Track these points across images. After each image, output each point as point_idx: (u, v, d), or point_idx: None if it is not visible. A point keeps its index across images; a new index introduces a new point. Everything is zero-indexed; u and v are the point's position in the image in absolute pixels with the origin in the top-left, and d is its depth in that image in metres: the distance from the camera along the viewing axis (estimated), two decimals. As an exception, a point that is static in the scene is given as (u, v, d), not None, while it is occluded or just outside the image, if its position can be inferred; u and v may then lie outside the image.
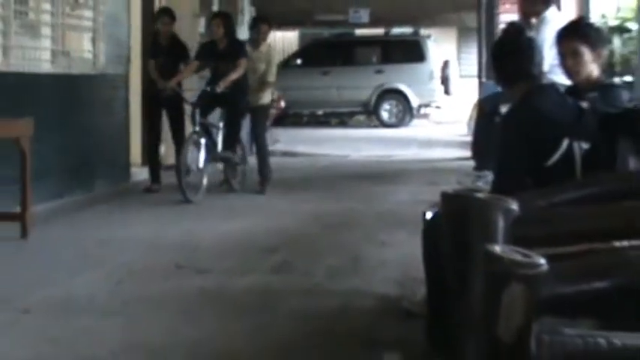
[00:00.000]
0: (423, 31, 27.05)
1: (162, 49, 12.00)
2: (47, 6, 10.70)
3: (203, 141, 11.09)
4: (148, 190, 11.65)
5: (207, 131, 11.42)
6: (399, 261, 7.11)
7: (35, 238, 8.13)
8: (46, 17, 10.72)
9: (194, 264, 7.17)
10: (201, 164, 10.98)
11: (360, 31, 29.18)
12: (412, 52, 25.53)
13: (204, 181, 11.02)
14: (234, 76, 11.29)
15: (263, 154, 12.16)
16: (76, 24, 10.88)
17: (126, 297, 6.20)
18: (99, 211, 9.24)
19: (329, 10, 28.18)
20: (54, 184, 9.55)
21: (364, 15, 27.67)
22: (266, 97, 12.36)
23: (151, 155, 12.14)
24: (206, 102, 11.45)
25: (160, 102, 11.85)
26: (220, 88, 11.13)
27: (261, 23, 12.31)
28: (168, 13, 12.25)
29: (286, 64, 25.09)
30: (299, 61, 26.26)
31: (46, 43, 10.56)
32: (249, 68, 11.64)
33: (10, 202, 8.42)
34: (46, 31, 10.66)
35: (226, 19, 11.84)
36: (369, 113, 25.96)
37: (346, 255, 7.63)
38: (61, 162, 9.18)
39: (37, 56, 10.32)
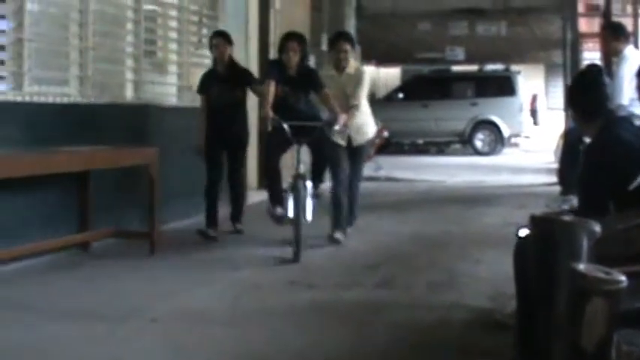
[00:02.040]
0: (514, 67, 26.81)
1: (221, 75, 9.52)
2: (174, 46, 10.92)
3: (310, 184, 8.66)
4: (202, 234, 9.24)
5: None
6: (491, 277, 7.06)
7: (162, 255, 8.26)
8: (173, 56, 10.93)
9: (305, 280, 7.21)
10: (309, 215, 8.61)
11: (456, 68, 29.04)
12: (504, 86, 25.41)
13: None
14: (337, 107, 8.70)
15: (356, 195, 9.62)
16: (199, 62, 11.05)
17: (243, 309, 6.26)
18: (219, 231, 9.31)
19: (428, 49, 28.13)
20: (179, 206, 9.69)
21: (460, 53, 27.57)
22: (370, 132, 9.62)
23: (210, 196, 9.43)
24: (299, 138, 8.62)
25: (224, 136, 9.38)
26: (341, 125, 8.59)
27: (342, 41, 9.27)
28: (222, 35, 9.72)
29: (389, 98, 25.22)
30: (401, 95, 26.27)
31: (173, 79, 10.76)
32: (336, 95, 8.94)
33: (140, 222, 8.57)
34: (172, 68, 10.87)
35: (302, 41, 8.99)
36: (464, 142, 25.86)
37: (443, 271, 7.59)
38: (185, 186, 9.32)
39: (165, 91, 10.52)
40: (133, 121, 9.42)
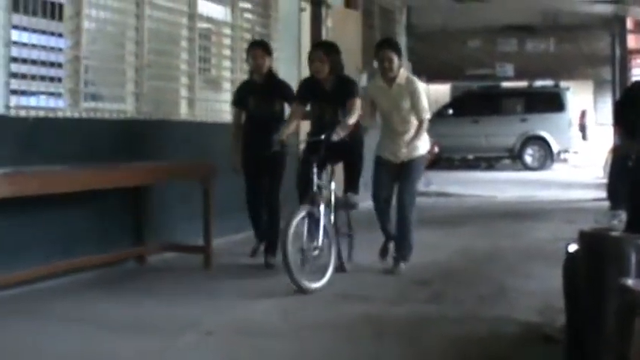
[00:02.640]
0: (563, 84, 26.62)
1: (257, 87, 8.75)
2: (227, 63, 10.94)
3: (323, 209, 7.57)
4: (253, 252, 8.83)
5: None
6: (540, 291, 6.97)
7: (216, 269, 8.29)
8: (226, 73, 10.96)
9: (358, 293, 7.17)
10: (320, 241, 7.52)
11: (505, 84, 28.89)
12: (553, 102, 25.24)
13: (332, 261, 7.68)
14: (353, 119, 7.82)
15: (407, 222, 8.23)
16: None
17: (298, 322, 6.25)
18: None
19: (478, 66, 27.99)
20: (232, 220, 9.68)
21: (509, 69, 27.42)
22: (422, 147, 8.36)
23: (252, 217, 8.84)
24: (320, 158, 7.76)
25: (261, 150, 8.28)
26: (339, 135, 7.58)
27: (385, 48, 8.21)
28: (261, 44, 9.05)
29: (440, 114, 25.08)
30: (451, 111, 26.19)
31: (226, 96, 10.77)
32: (386, 110, 8.25)
33: (195, 236, 8.58)
34: (226, 85, 10.89)
35: (331, 50, 8.13)
36: (514, 158, 25.71)
37: (492, 285, 7.52)
38: (238, 200, 9.32)
39: (219, 108, 10.53)
40: (188, 138, 9.44)
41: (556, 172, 24.47)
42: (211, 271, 8.25)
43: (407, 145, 8.16)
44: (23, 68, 7.41)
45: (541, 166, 25.04)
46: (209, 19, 10.65)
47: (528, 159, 25.31)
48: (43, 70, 7.65)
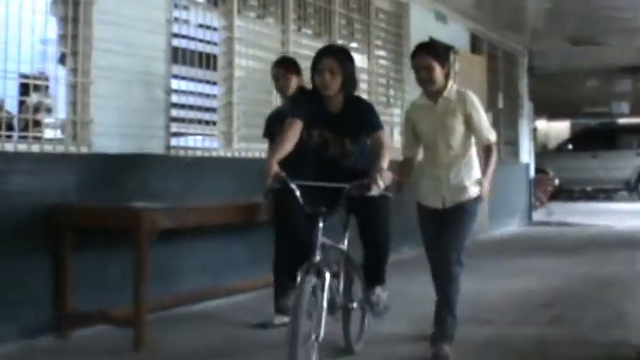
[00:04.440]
0: (676, 120, 25.90)
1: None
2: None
3: (328, 278, 4.73)
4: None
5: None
6: (657, 317, 6.77)
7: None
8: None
9: (482, 316, 7.01)
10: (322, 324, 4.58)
11: (621, 120, 28.21)
12: (667, 137, 24.66)
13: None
14: (386, 161, 4.95)
15: (453, 291, 5.60)
16: (389, 120, 11.05)
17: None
18: (405, 269, 9.17)
19: (595, 104, 27.42)
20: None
21: (624, 107, 26.82)
22: (474, 188, 5.56)
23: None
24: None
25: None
26: (380, 187, 4.75)
27: (420, 54, 5.55)
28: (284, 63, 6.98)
29: (560, 149, 24.76)
30: (570, 146, 25.79)
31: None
32: (429, 135, 5.62)
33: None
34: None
35: (345, 59, 5.39)
36: (630, 190, 25.04)
37: (611, 310, 7.28)
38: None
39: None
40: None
41: (671, 203, 23.80)
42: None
43: (457, 180, 5.55)
44: (182, 113, 7.56)
45: (656, 197, 24.43)
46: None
47: (645, 191, 24.73)
48: (199, 115, 7.79)
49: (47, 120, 6.66)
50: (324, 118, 5.40)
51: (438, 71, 5.52)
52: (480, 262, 9.56)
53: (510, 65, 16.95)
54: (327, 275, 4.69)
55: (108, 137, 6.62)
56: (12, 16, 5.93)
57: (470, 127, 5.56)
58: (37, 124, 6.51)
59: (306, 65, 6.14)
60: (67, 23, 6.41)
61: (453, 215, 5.54)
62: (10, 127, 6.27)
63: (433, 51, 5.62)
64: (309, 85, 5.64)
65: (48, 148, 6.22)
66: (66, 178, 6.29)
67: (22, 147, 6.01)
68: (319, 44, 9.44)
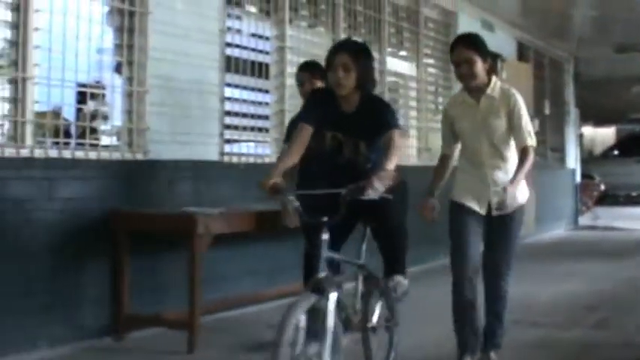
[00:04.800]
0: None
1: None
2: (413, 113, 10.89)
3: (334, 298, 4.02)
4: None
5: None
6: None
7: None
8: (413, 122, 10.90)
9: (529, 319, 6.90)
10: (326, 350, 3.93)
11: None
12: None
13: None
14: (392, 163, 4.38)
15: (504, 303, 5.24)
16: (436, 126, 10.95)
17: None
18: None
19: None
20: (419, 250, 9.53)
21: (670, 113, 26.55)
22: (521, 195, 5.02)
23: None
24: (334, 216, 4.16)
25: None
26: (377, 190, 4.15)
27: (460, 48, 5.04)
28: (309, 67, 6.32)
29: (605, 155, 24.56)
30: (616, 152, 25.54)
31: (413, 142, 10.73)
32: (470, 135, 5.10)
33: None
34: (412, 132, 10.82)
35: (361, 54, 4.75)
36: (675, 195, 24.80)
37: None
38: (428, 233, 9.15)
39: (406, 152, 10.46)
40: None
41: None
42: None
43: (502, 187, 4.89)
44: (235, 120, 7.56)
45: (701, 202, 24.08)
46: (397, 74, 10.70)
47: (689, 195, 24.40)
48: (252, 122, 7.78)
49: (104, 127, 6.68)
50: (337, 119, 4.80)
51: (479, 65, 4.98)
52: (528, 265, 9.45)
53: (556, 72, 16.81)
54: (333, 295, 4.01)
55: (163, 144, 6.63)
56: (70, 27, 5.95)
57: (510, 126, 5.00)
58: (94, 131, 6.53)
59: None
60: (124, 33, 6.44)
61: (501, 225, 5.04)
62: (67, 135, 6.30)
63: (473, 43, 5.03)
64: None
65: (105, 155, 6.23)
66: (122, 184, 6.30)
67: (80, 154, 6.03)
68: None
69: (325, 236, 4.10)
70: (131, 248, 6.18)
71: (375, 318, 4.87)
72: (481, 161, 5.08)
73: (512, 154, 5.07)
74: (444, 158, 5.32)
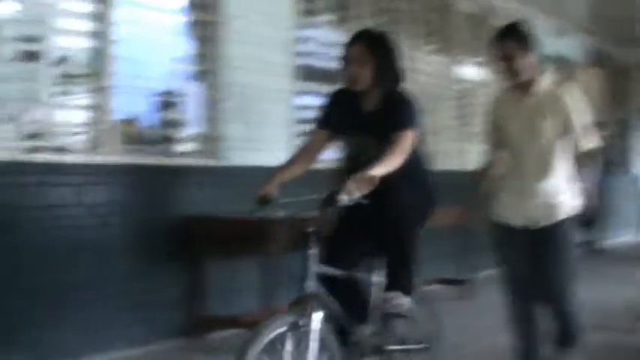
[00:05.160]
0: None
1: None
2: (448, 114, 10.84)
3: (318, 320, 3.57)
4: None
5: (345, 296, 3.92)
6: None
7: (479, 299, 8.14)
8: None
9: (597, 322, 6.72)
10: None
11: None
12: None
13: None
14: (388, 165, 3.77)
15: (568, 327, 4.42)
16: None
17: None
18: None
19: None
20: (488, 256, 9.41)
21: None
22: (568, 204, 4.34)
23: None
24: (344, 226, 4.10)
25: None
26: (351, 194, 3.55)
27: (503, 40, 4.29)
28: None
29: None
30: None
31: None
32: (514, 138, 4.41)
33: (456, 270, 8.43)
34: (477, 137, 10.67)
35: (377, 44, 4.11)
36: None
37: None
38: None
39: (476, 158, 10.37)
40: (457, 186, 9.28)
41: None
42: (474, 301, 8.17)
43: (548, 194, 4.31)
44: (308, 127, 7.50)
45: None
46: (467, 81, 10.62)
47: None
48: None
49: (182, 135, 6.70)
50: (358, 119, 4.14)
51: (523, 59, 4.26)
52: (599, 270, 9.28)
53: (625, 78, 16.52)
54: (317, 315, 3.52)
55: (239, 150, 6.65)
56: (149, 37, 5.99)
57: (565, 129, 4.29)
58: (173, 138, 6.56)
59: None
60: (201, 43, 6.47)
61: (548, 241, 4.30)
62: (147, 142, 6.33)
63: (517, 35, 4.29)
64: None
65: (182, 161, 6.26)
66: (200, 190, 6.32)
67: (159, 160, 6.05)
68: (443, 59, 9.42)
69: (313, 250, 3.68)
70: (208, 252, 6.19)
71: (393, 340, 4.19)
72: (525, 169, 4.38)
73: (560, 163, 4.35)
74: (486, 167, 4.70)
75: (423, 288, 8.37)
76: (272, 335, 3.43)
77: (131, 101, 5.98)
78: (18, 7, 5.52)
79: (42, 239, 5.24)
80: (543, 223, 4.32)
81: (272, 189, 3.97)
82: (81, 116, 5.70)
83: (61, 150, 5.57)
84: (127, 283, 5.73)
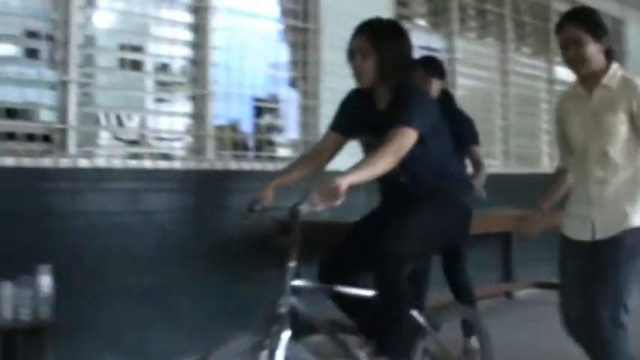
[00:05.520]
0: None
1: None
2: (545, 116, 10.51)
3: (285, 339, 3.20)
4: None
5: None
6: None
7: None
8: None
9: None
10: None
11: None
12: None
13: None
14: (371, 168, 3.38)
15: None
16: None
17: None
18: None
19: None
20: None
21: None
22: (637, 214, 3.55)
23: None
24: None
25: None
26: (313, 204, 3.25)
27: (568, 25, 3.66)
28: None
29: None
30: None
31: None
32: (578, 137, 3.73)
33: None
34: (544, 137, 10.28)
35: (379, 36, 3.64)
36: None
37: None
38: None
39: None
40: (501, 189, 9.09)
41: None
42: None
43: (614, 202, 3.65)
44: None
45: None
46: (565, 83, 10.33)
47: None
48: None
49: (280, 140, 6.68)
50: (371, 118, 3.71)
51: (592, 47, 3.64)
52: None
53: None
54: (285, 334, 3.17)
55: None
56: (246, 44, 5.98)
57: (633, 127, 3.64)
58: (271, 144, 6.54)
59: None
60: (297, 49, 6.44)
61: (606, 252, 3.60)
62: (245, 147, 6.32)
63: (584, 20, 3.68)
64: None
65: (281, 166, 6.22)
66: (297, 194, 6.25)
67: (257, 165, 6.02)
68: (537, 62, 9.19)
69: (292, 263, 3.36)
70: (307, 257, 6.12)
71: None
72: (590, 173, 3.72)
73: (632, 166, 3.68)
74: (557, 174, 4.04)
75: (519, 292, 8.25)
76: (234, 356, 3.09)
77: (231, 108, 5.98)
78: (120, 17, 5.58)
79: (139, 242, 5.24)
80: (607, 234, 3.62)
81: (266, 193, 3.61)
82: (181, 123, 5.73)
83: (162, 156, 5.61)
84: (225, 287, 5.71)
